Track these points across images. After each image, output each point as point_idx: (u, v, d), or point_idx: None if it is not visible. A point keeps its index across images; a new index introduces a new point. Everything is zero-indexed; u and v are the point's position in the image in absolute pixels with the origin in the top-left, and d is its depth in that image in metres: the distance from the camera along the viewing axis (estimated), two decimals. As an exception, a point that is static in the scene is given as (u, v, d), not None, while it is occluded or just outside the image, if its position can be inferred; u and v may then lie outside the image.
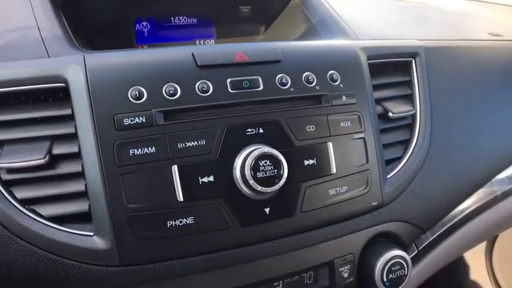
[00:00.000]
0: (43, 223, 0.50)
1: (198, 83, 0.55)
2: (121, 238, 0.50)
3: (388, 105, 0.69)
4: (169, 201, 0.52)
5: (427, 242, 0.78)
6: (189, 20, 0.84)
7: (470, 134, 0.76)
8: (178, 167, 0.52)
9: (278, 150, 0.55)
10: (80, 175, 0.51)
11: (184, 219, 0.52)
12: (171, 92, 0.53)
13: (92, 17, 0.76)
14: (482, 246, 1.63)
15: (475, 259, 1.66)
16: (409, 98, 0.73)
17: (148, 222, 0.51)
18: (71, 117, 0.52)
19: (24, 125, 0.53)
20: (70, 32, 0.64)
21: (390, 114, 0.68)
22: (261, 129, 0.56)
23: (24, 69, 0.52)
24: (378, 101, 0.68)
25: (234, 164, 0.54)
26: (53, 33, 0.61)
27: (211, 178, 0.53)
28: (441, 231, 0.79)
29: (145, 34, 0.95)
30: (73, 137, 0.52)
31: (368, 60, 0.67)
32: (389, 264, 0.61)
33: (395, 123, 0.70)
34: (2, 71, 0.52)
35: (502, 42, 0.91)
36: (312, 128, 0.59)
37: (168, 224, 0.51)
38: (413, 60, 0.73)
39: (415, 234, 0.68)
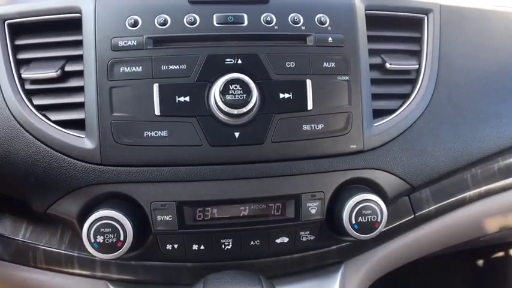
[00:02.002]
0: (49, 124, 0.60)
1: (186, 16, 0.61)
2: (104, 141, 0.58)
3: (388, 57, 0.68)
4: (148, 114, 0.58)
5: (427, 209, 0.74)
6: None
7: (476, 101, 0.70)
8: (158, 86, 0.58)
9: (254, 81, 0.58)
10: (81, 89, 0.61)
11: (159, 132, 0.58)
12: (161, 21, 0.60)
13: None
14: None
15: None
16: (416, 54, 0.71)
17: (128, 130, 0.58)
18: (81, 42, 0.62)
19: (47, 47, 0.64)
20: None
21: (387, 65, 0.67)
22: (239, 60, 0.60)
23: (50, 2, 0.64)
24: (377, 52, 0.68)
25: (210, 88, 0.59)
26: None
27: (187, 98, 0.59)
28: (447, 201, 0.75)
29: None
30: (81, 58, 0.62)
31: (367, 10, 0.67)
32: (359, 206, 0.60)
33: (394, 75, 0.68)
34: (33, 4, 0.64)
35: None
36: (292, 64, 0.61)
37: (145, 134, 0.58)
38: (425, 17, 0.71)
39: (401, 189, 0.66)
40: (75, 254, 0.67)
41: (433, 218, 0.75)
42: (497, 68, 0.74)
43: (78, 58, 0.62)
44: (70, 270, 0.67)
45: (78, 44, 0.63)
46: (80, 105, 0.61)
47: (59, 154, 0.59)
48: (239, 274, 0.52)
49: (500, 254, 1.50)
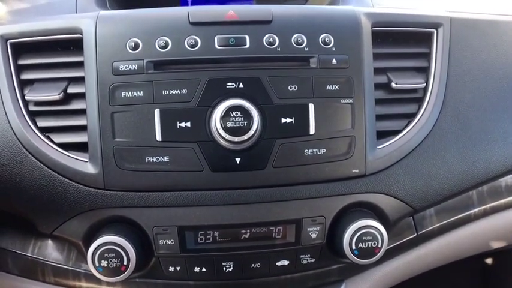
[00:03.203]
0: (53, 147, 0.61)
1: (187, 38, 0.60)
2: (107, 166, 0.59)
3: (395, 75, 0.66)
4: (149, 140, 0.59)
5: (431, 228, 0.74)
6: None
7: (484, 120, 0.68)
8: (160, 111, 0.58)
9: (255, 106, 0.58)
10: (84, 112, 0.61)
11: (161, 157, 0.59)
12: (162, 44, 0.60)
13: None
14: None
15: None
16: (424, 71, 0.69)
17: (130, 155, 0.59)
18: (83, 64, 0.62)
19: (50, 67, 0.64)
20: None
21: (393, 84, 0.65)
22: (241, 84, 0.59)
23: (52, 22, 0.64)
24: (383, 70, 0.66)
25: (211, 114, 0.58)
26: None
27: (188, 124, 0.59)
28: (450, 219, 0.74)
29: (189, 3, 1.03)
30: (83, 80, 0.62)
31: (374, 27, 0.65)
32: (360, 232, 0.60)
33: (400, 94, 0.67)
34: (35, 23, 0.64)
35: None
36: (295, 88, 0.60)
37: (147, 159, 0.59)
38: (435, 32, 0.69)
39: (403, 212, 0.65)
40: (82, 271, 0.69)
41: (436, 236, 0.74)
42: (509, 84, 0.72)
43: (81, 80, 0.62)
44: (77, 284, 0.70)
45: (81, 65, 0.62)
46: (82, 128, 0.61)
47: (63, 178, 0.60)
48: None
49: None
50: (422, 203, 0.66)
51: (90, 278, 0.69)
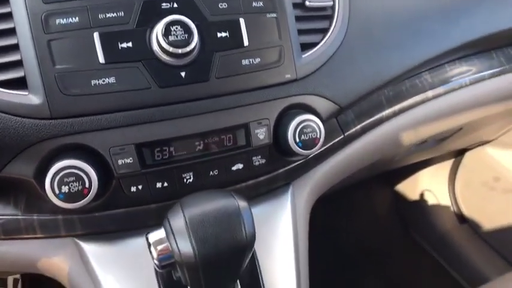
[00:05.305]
0: None
1: None
2: (51, 94, 0.58)
3: None
4: (92, 63, 0.59)
5: (354, 129, 0.86)
6: None
7: (384, 32, 0.82)
8: (99, 34, 0.59)
9: (192, 22, 0.62)
10: (16, 47, 0.59)
11: (107, 79, 0.60)
12: None
13: None
14: (445, 174, 1.72)
15: (438, 186, 1.75)
16: None
17: (74, 80, 0.59)
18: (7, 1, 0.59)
19: None
20: None
21: (307, 3, 0.75)
22: (175, 4, 0.63)
23: None
24: None
25: (151, 32, 0.61)
26: None
27: (130, 44, 0.61)
28: (368, 121, 0.87)
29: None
30: (10, 15, 0.59)
31: None
32: (301, 126, 0.68)
33: (314, 12, 0.76)
34: None
35: None
36: (225, 5, 0.66)
37: (92, 83, 0.59)
38: None
39: (332, 110, 0.76)
40: (35, 217, 0.66)
41: (359, 136, 0.87)
42: (402, 4, 0.87)
43: (7, 16, 0.60)
44: (32, 236, 0.67)
45: (5, 1, 0.60)
46: (17, 64, 0.59)
47: (4, 114, 0.58)
48: (212, 192, 0.57)
49: (411, 173, 1.76)
50: (345, 101, 0.77)
51: (45, 224, 0.66)
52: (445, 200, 1.73)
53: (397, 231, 1.84)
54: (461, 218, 1.69)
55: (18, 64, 0.59)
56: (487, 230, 1.59)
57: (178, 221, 0.52)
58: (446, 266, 1.68)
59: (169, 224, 0.52)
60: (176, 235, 0.51)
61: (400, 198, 1.82)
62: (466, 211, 1.66)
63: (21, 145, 0.59)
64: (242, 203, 0.54)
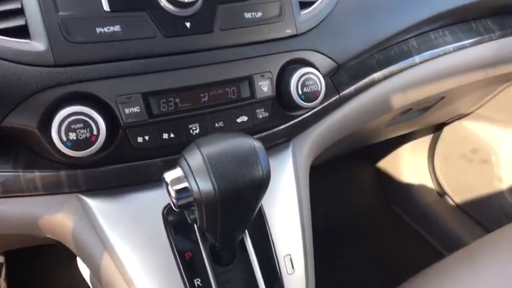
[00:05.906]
0: None
1: None
2: (54, 41, 0.57)
3: None
4: (97, 10, 0.59)
5: (348, 90, 0.88)
6: None
7: None
8: None
9: None
10: None
11: (112, 27, 0.59)
12: None
13: None
14: (424, 149, 1.78)
15: (417, 161, 1.81)
16: None
17: (79, 27, 0.58)
18: None
19: None
20: None
21: None
22: None
23: None
24: None
25: None
26: None
27: None
28: (361, 82, 0.90)
29: None
30: None
31: None
32: (303, 78, 0.70)
33: None
34: None
35: None
36: None
37: (97, 30, 0.59)
38: None
39: (330, 67, 0.78)
40: (36, 174, 0.65)
41: (353, 97, 0.89)
42: None
43: None
44: (33, 193, 0.65)
45: None
46: (17, 12, 0.58)
47: (6, 62, 0.56)
48: (224, 133, 0.57)
49: (393, 149, 1.82)
50: (341, 58, 0.79)
51: (48, 180, 0.65)
52: (425, 174, 1.79)
53: (380, 206, 1.90)
54: (441, 191, 1.76)
55: (18, 12, 0.58)
56: (465, 200, 1.67)
57: (196, 157, 0.52)
58: (428, 237, 1.75)
59: (187, 162, 0.53)
60: (195, 172, 0.51)
61: (382, 174, 1.88)
62: (446, 184, 1.73)
63: (24, 93, 0.57)
64: (256, 142, 0.55)
